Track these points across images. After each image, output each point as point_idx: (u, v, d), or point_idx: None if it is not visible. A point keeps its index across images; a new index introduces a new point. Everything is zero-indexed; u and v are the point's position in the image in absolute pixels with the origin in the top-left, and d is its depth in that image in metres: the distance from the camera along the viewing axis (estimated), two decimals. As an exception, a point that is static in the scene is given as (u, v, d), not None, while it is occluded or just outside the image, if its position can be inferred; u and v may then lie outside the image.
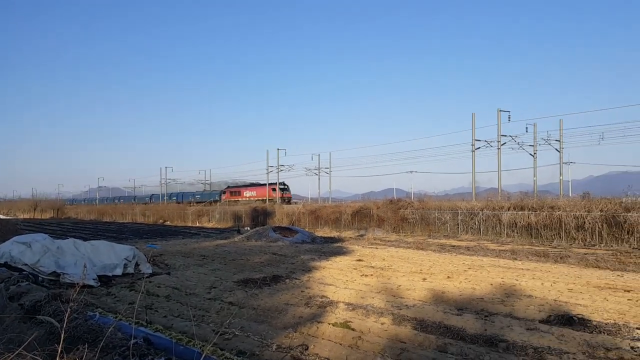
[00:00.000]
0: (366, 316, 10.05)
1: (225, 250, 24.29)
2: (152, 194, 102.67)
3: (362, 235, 34.91)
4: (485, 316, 10.03)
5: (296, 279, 14.96)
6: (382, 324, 9.47)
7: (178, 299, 12.18)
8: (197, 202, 79.22)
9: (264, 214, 52.83)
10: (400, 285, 13.59)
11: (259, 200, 64.62)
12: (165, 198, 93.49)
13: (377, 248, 25.26)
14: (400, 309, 10.62)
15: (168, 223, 64.10)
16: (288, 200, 62.57)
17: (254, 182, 75.85)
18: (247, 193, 68.95)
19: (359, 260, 19.84)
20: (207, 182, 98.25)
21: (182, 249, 24.90)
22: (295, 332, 8.89)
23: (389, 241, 30.13)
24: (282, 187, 65.28)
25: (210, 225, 56.58)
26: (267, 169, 68.08)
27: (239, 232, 37.66)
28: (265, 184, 67.00)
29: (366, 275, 15.58)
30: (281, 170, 67.62)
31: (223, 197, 71.97)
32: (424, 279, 14.72)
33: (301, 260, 19.82)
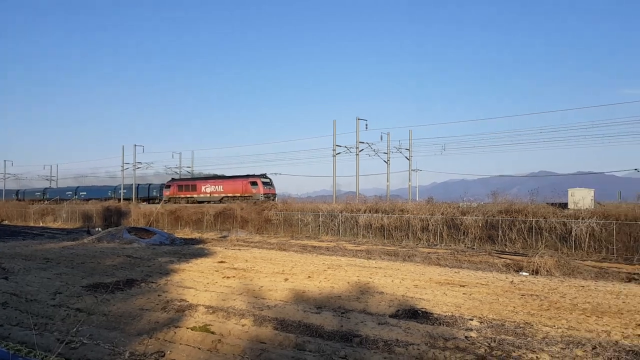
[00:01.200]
0: (227, 318, 9.95)
1: (73, 252, 22.28)
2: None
3: (225, 237, 34.47)
4: (342, 313, 10.54)
5: (153, 282, 14.27)
6: (243, 325, 9.45)
7: (17, 306, 10.91)
8: (41, 200, 71.61)
9: (117, 214, 49.54)
10: (262, 286, 13.68)
11: (228, 197, 48.21)
12: (4, 195, 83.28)
13: (240, 249, 25.13)
14: (262, 310, 10.71)
15: (7, 222, 57.29)
16: (273, 198, 46.64)
17: (218, 174, 57.59)
18: (209, 188, 50.58)
19: (221, 262, 19.56)
20: (52, 178, 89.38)
21: (23, 251, 22.33)
22: (150, 338, 8.48)
23: (252, 242, 30.16)
24: (264, 180, 47.51)
25: (55, 225, 51.57)
26: (123, 166, 64.00)
27: (88, 232, 34.86)
28: (239, 177, 49.93)
29: (228, 277, 15.42)
30: (138, 168, 64.02)
31: (165, 192, 54.35)
32: (286, 279, 15.00)
33: (158, 262, 18.95)
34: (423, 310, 10.76)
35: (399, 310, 10.76)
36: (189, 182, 54.14)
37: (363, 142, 46.79)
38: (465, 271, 17.80)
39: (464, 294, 13.09)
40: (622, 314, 10.88)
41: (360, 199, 41.22)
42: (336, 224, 34.87)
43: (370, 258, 21.74)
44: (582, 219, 24.75)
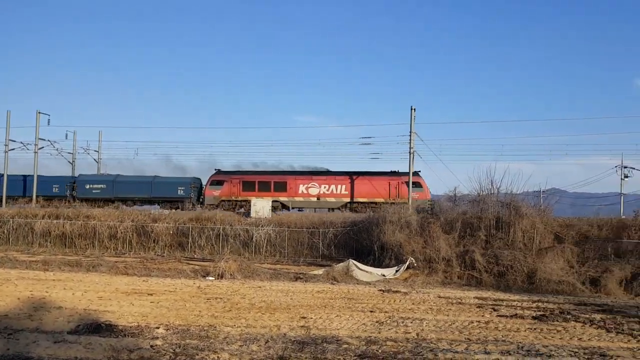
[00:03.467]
0: None
1: None
2: None
3: None
4: (10, 334, 9.17)
5: None
6: None
7: None
8: None
9: None
10: None
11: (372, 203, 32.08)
12: None
13: None
14: None
15: None
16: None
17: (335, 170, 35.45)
18: (337, 187, 33.49)
19: None
20: None
21: None
22: None
23: None
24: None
25: None
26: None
27: None
28: (385, 173, 33.95)
29: None
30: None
31: (214, 192, 33.86)
32: None
33: None
34: (107, 323, 10.27)
35: (79, 325, 9.99)
36: (268, 178, 34.66)
37: (44, 139, 41.43)
38: (154, 279, 17.71)
39: (151, 302, 13.03)
40: (289, 309, 12.69)
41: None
42: (5, 231, 29.85)
43: (47, 269, 19.45)
44: (262, 226, 27.77)
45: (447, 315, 12.56)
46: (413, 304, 14.29)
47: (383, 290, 16.63)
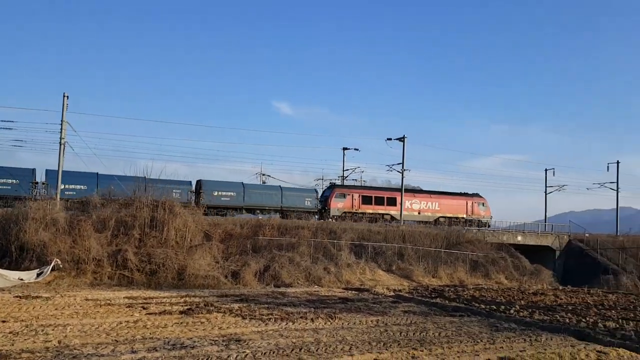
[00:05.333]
0: None
1: None
2: None
3: None
4: None
5: None
6: None
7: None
8: None
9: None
10: None
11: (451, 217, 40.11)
12: None
13: None
14: None
15: None
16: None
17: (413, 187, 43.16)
18: (432, 204, 40.82)
19: None
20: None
21: None
22: None
23: None
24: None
25: None
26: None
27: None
28: (457, 194, 42.89)
29: None
30: None
31: (337, 204, 37.39)
32: None
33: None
34: None
35: None
36: (382, 193, 39.90)
37: None
38: None
39: None
40: None
41: None
42: None
43: None
44: None
45: (95, 319, 12.01)
46: (56, 309, 13.09)
47: (20, 297, 14.70)
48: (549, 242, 37.79)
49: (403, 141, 37.12)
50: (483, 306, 16.79)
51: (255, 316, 13.19)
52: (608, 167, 46.70)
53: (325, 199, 37.48)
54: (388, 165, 38.55)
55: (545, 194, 49.12)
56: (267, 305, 15.17)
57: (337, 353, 9.45)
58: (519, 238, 36.90)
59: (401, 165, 37.07)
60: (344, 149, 47.50)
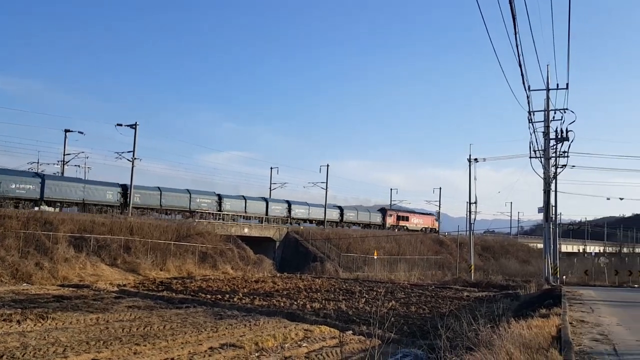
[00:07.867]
0: None
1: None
2: None
3: None
4: None
5: None
6: None
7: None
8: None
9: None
10: None
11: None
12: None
13: None
14: None
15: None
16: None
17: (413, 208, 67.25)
18: (415, 220, 61.45)
19: None
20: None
21: None
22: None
23: None
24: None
25: None
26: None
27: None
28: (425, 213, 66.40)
29: None
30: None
31: (388, 220, 57.18)
32: None
33: None
34: None
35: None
36: (405, 213, 60.68)
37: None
38: None
39: None
40: None
41: None
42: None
43: None
44: None
45: None
46: None
47: None
48: (271, 234, 41.20)
49: (135, 128, 35.36)
50: (209, 296, 17.37)
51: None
52: (320, 169, 53.47)
53: None
54: (117, 153, 36.11)
55: (270, 190, 53.43)
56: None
57: (48, 356, 8.53)
58: (246, 230, 39.20)
59: (132, 153, 35.20)
60: (66, 130, 42.40)
